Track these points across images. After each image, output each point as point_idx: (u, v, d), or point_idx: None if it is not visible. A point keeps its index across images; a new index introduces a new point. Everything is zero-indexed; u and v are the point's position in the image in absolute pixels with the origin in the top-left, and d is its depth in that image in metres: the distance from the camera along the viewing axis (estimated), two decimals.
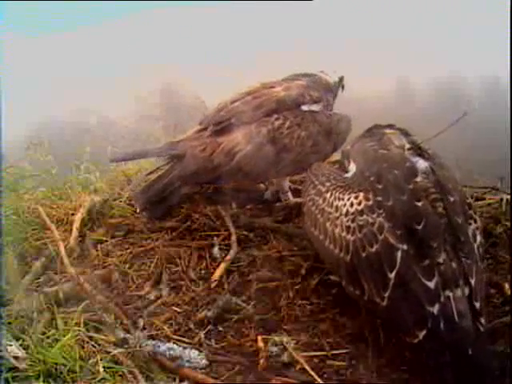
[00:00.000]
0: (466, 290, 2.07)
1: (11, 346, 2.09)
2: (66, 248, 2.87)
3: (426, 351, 2.00)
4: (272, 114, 3.12)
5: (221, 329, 2.44)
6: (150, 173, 3.29)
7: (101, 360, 2.11)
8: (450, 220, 2.14)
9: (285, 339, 2.25)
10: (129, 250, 3.00)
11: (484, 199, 3.36)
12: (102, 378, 2.04)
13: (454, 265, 2.08)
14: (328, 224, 2.34)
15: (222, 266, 2.80)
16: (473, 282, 2.08)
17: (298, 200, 3.35)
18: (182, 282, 2.76)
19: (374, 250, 2.12)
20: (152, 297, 2.67)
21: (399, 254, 2.07)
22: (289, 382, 2.09)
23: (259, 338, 2.30)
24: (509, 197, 3.17)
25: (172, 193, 3.08)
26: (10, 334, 2.18)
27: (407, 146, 2.39)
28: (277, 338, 2.26)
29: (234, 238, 2.99)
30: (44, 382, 2.01)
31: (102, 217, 3.27)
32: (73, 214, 3.23)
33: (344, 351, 2.27)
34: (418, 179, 2.21)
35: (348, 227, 2.23)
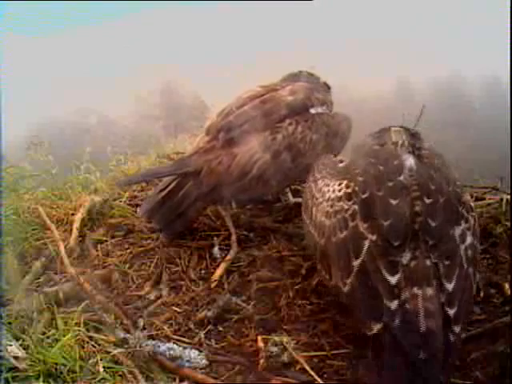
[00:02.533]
0: (441, 295, 1.98)
1: (11, 345, 2.09)
2: (66, 248, 2.87)
3: (382, 346, 1.96)
4: (284, 120, 3.06)
5: (221, 329, 2.43)
6: (162, 190, 3.03)
7: (101, 360, 2.10)
8: (423, 221, 2.09)
9: (285, 339, 2.24)
10: (129, 250, 3.00)
11: (484, 199, 3.35)
12: (101, 378, 2.04)
13: (428, 263, 2.02)
14: (314, 209, 2.38)
15: (222, 265, 2.79)
16: (450, 286, 2.00)
17: (298, 200, 3.36)
18: (182, 282, 2.75)
19: (343, 235, 2.14)
20: (152, 297, 2.66)
21: (367, 243, 2.07)
22: (289, 381, 2.08)
23: (259, 338, 2.29)
24: (509, 197, 3.16)
25: (188, 208, 2.97)
26: (10, 334, 2.17)
27: (403, 142, 2.36)
28: (277, 338, 2.24)
29: (234, 237, 2.98)
30: (44, 382, 2.01)
31: (101, 217, 3.26)
32: (73, 214, 3.22)
33: (344, 351, 2.26)
34: (401, 177, 2.18)
35: (327, 212, 2.27)
